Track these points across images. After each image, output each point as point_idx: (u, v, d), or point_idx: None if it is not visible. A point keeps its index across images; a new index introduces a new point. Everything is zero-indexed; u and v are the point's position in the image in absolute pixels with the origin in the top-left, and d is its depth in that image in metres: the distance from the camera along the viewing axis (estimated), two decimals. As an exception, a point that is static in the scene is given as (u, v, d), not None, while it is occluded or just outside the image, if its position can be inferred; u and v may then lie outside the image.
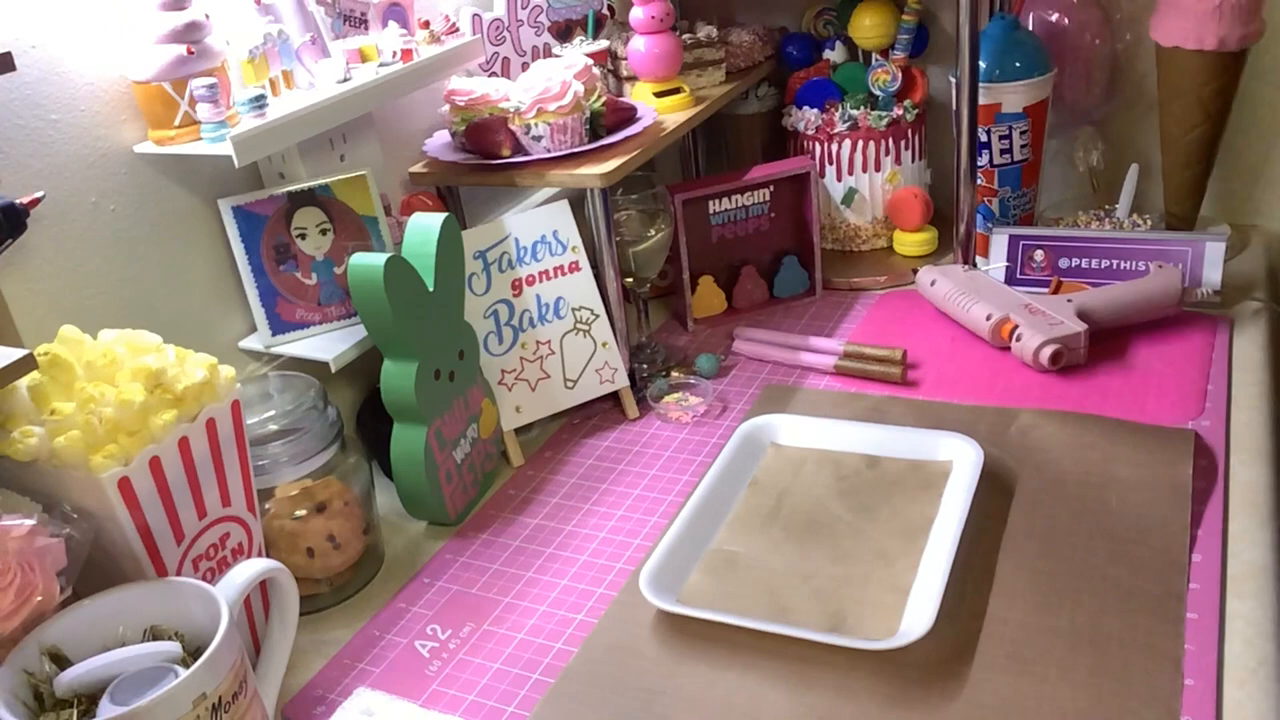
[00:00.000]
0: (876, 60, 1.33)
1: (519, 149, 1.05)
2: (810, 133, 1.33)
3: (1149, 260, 1.15)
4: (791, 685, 0.73)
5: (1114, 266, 1.18)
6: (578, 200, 1.09)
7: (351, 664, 0.81)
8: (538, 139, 1.03)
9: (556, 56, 1.16)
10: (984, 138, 1.26)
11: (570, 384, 1.08)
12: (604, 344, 1.09)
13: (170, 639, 0.65)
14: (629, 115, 1.10)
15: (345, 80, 0.93)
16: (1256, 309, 1.11)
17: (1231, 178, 1.30)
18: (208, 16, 0.84)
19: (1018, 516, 0.86)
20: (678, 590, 0.82)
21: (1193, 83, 1.17)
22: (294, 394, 0.87)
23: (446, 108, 1.08)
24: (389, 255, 0.87)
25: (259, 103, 0.85)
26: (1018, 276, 1.22)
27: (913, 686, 0.71)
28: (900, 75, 1.32)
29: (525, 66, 1.17)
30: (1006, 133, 1.26)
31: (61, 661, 0.63)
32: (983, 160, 1.27)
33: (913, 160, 1.35)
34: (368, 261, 0.87)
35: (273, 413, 0.85)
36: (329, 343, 0.96)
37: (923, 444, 0.94)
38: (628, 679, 0.75)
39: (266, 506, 0.83)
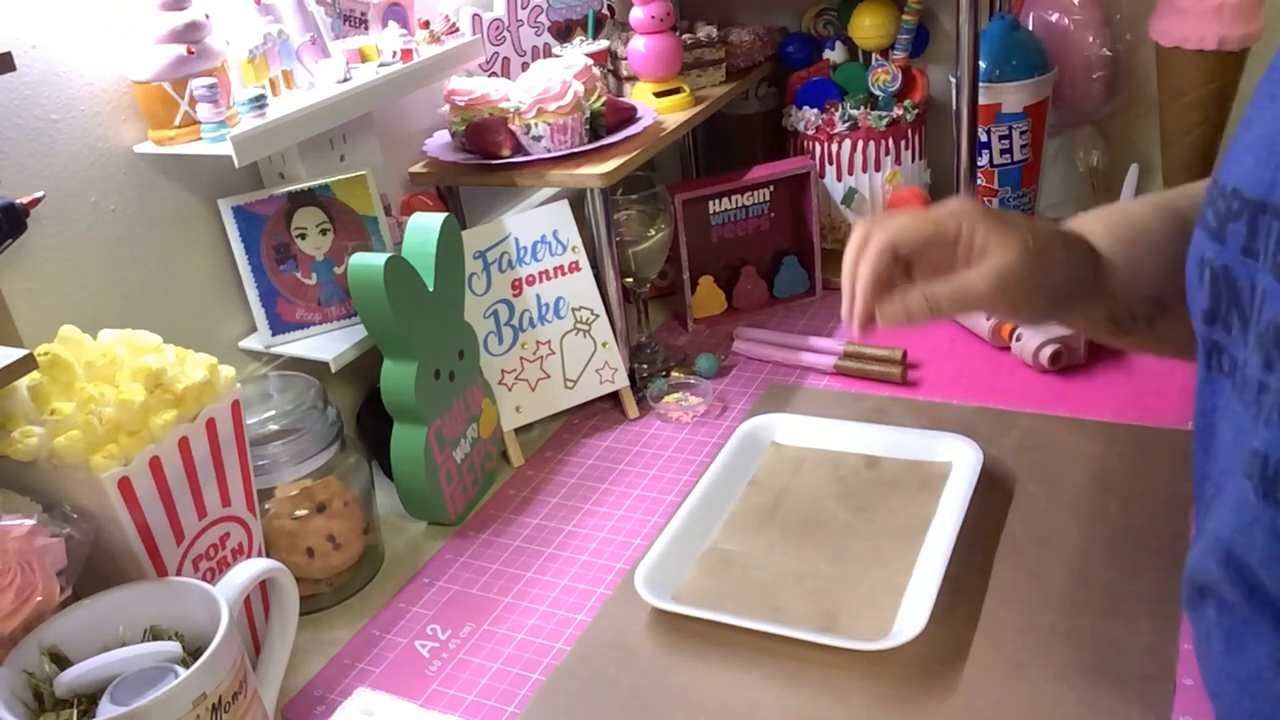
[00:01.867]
0: (876, 60, 1.33)
1: (519, 149, 1.05)
2: (810, 133, 1.33)
3: (1149, 260, 1.15)
4: (784, 684, 0.73)
5: (1114, 267, 1.17)
6: (578, 200, 1.09)
7: (351, 664, 0.81)
8: (538, 139, 1.03)
9: (556, 56, 1.16)
10: (984, 138, 1.26)
11: (570, 384, 1.08)
12: (604, 344, 1.09)
13: (170, 639, 0.65)
14: (629, 115, 1.10)
15: (345, 80, 0.93)
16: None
17: (1231, 178, 1.30)
18: (208, 16, 0.84)
19: (1015, 519, 0.86)
20: (672, 588, 0.82)
21: (1193, 83, 1.17)
22: (294, 394, 0.87)
23: (446, 108, 1.08)
24: (389, 255, 0.87)
25: (259, 103, 0.85)
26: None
27: (905, 687, 0.71)
28: (900, 75, 1.32)
29: (525, 66, 1.17)
30: (1006, 133, 1.26)
31: (61, 661, 0.63)
32: (983, 160, 1.27)
33: (913, 160, 1.35)
34: (368, 261, 0.87)
35: (273, 413, 0.85)
36: (329, 343, 0.96)
37: (922, 445, 0.94)
38: (621, 676, 0.75)
39: (266, 506, 0.83)
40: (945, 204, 0.65)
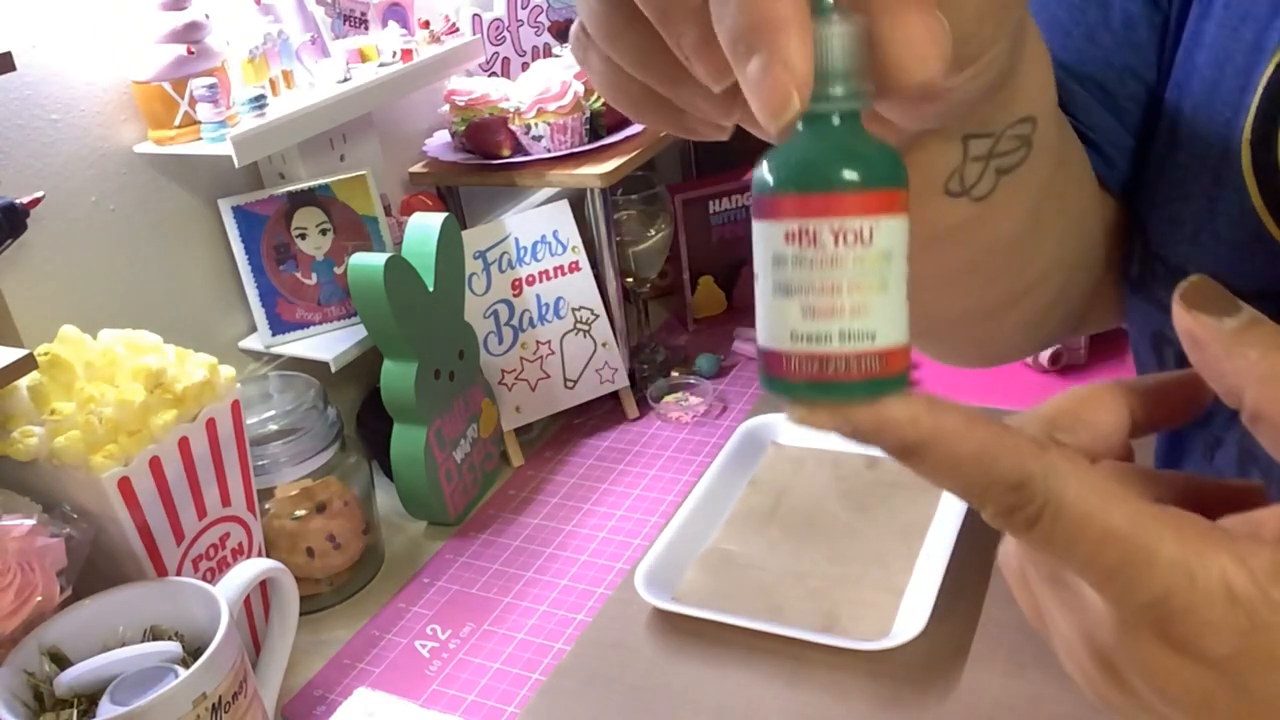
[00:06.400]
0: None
1: (519, 149, 1.05)
2: (810, 132, 1.33)
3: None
4: (784, 684, 0.73)
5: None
6: (578, 200, 1.09)
7: (351, 664, 0.81)
8: (538, 139, 1.03)
9: (556, 56, 1.16)
10: (984, 138, 1.26)
11: (570, 384, 1.08)
12: (604, 344, 1.09)
13: (170, 639, 0.65)
14: (629, 115, 1.10)
15: (345, 80, 0.93)
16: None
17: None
18: (208, 16, 0.84)
19: (1016, 517, 0.86)
20: (673, 588, 0.82)
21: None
22: (294, 394, 0.87)
23: (446, 108, 1.08)
24: (389, 255, 0.87)
25: (259, 103, 0.85)
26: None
27: (905, 687, 0.71)
28: (900, 75, 1.32)
29: (525, 66, 1.17)
30: (1006, 133, 1.26)
31: (61, 661, 0.63)
32: (983, 160, 1.27)
33: (913, 160, 1.35)
34: (368, 261, 0.87)
35: (273, 413, 0.85)
36: (329, 343, 0.96)
37: (922, 444, 0.94)
38: (621, 676, 0.75)
39: (266, 506, 0.83)
40: None
